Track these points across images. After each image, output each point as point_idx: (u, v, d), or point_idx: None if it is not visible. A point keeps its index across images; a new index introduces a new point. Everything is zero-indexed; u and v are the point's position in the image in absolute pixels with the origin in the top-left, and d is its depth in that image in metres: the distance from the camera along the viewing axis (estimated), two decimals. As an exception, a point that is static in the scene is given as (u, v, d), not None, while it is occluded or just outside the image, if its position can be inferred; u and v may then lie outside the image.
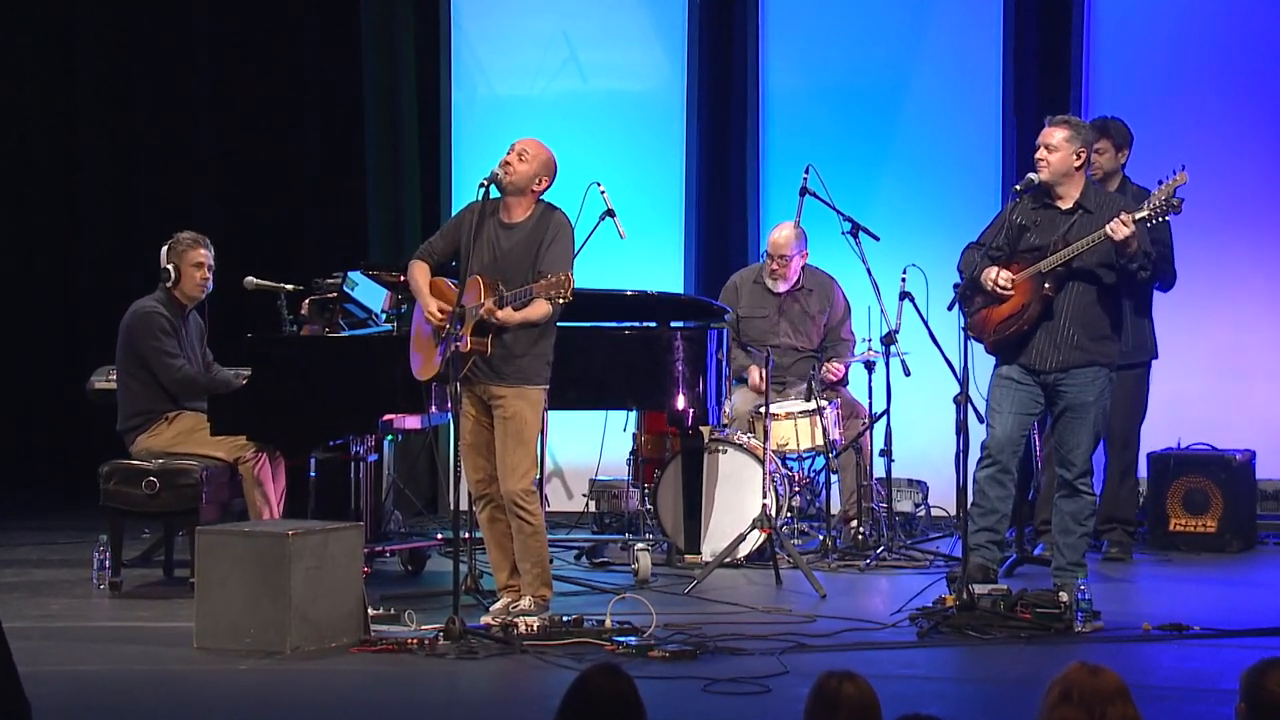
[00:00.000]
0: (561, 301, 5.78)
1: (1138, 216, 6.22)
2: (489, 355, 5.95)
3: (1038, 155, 6.41)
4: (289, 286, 7.31)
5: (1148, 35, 9.00)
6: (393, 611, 6.07)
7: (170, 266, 7.08)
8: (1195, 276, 8.19)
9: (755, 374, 7.98)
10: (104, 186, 10.17)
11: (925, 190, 9.19)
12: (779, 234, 8.19)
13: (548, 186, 6.11)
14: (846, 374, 8.18)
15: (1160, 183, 6.31)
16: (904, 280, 7.56)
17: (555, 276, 5.73)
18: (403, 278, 6.64)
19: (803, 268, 8.24)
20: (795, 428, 7.80)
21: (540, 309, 5.90)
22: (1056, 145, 6.39)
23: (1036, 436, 7.47)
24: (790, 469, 7.87)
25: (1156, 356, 7.70)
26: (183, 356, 7.02)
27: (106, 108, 10.12)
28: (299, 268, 8.07)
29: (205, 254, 7.11)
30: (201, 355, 7.23)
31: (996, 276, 6.38)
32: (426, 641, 5.63)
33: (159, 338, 6.98)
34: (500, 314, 5.85)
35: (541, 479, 6.27)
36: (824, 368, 8.07)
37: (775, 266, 8.16)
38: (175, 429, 7.00)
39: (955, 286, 6.51)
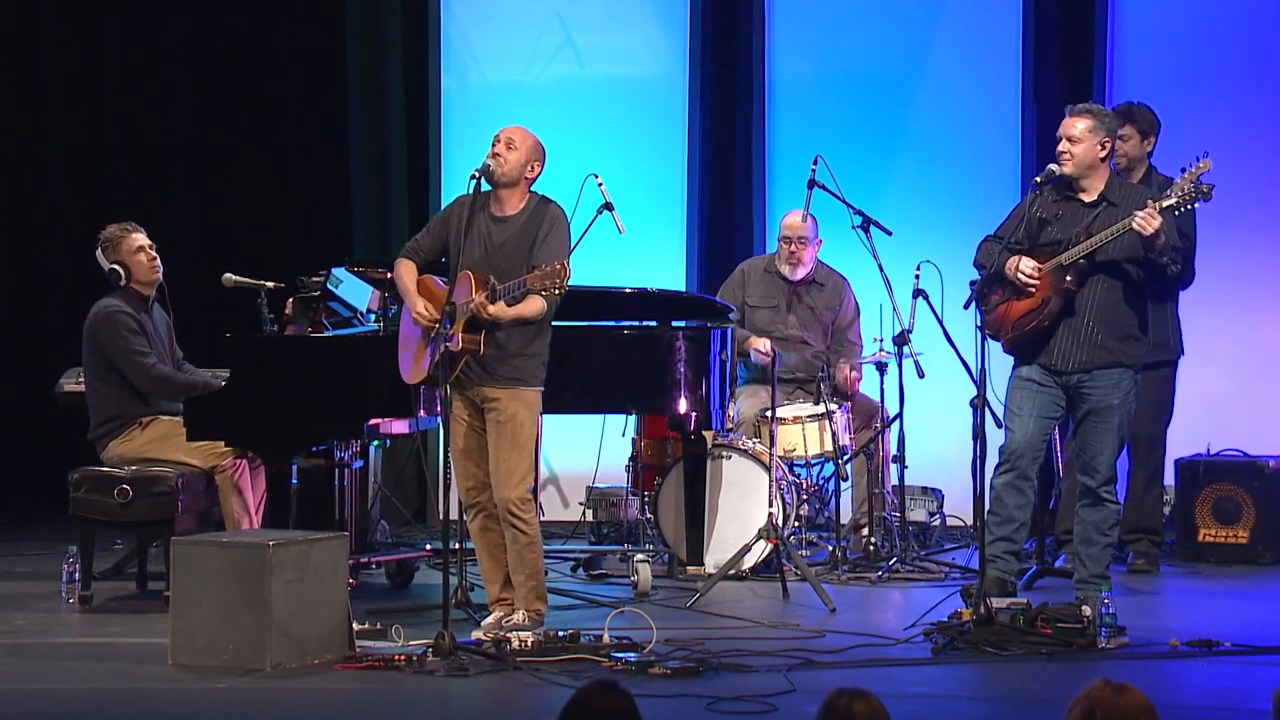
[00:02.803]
0: (557, 292, 5.78)
1: (1164, 205, 6.24)
2: (482, 355, 5.96)
3: (1060, 148, 6.42)
4: (270, 284, 7.31)
5: (1174, 19, 9.02)
6: (379, 626, 6.07)
7: (115, 266, 7.08)
8: (1224, 269, 8.20)
9: (760, 344, 7.93)
10: (72, 179, 10.17)
11: (940, 182, 9.20)
12: (793, 217, 8.21)
13: (540, 172, 6.13)
14: (860, 385, 8.17)
15: (1183, 170, 6.33)
16: (918, 277, 7.56)
17: (549, 266, 5.73)
18: (389, 275, 6.65)
19: (816, 261, 8.26)
20: (803, 432, 7.81)
21: (535, 305, 5.91)
22: (1079, 136, 6.40)
23: (1058, 441, 7.48)
24: (798, 476, 7.87)
25: (1182, 354, 7.70)
26: (153, 354, 7.03)
27: (74, 97, 10.11)
28: (280, 264, 8.07)
29: (140, 236, 7.13)
30: (171, 351, 7.22)
31: (1020, 265, 6.39)
32: (415, 658, 5.64)
33: (126, 337, 6.98)
34: (492, 308, 5.85)
35: (536, 486, 6.27)
36: (840, 376, 8.06)
37: (793, 249, 8.17)
38: (149, 434, 7.00)
39: (972, 284, 6.52)
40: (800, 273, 8.21)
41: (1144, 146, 7.54)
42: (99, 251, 7.13)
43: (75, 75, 10.11)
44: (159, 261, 7.14)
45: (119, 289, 7.10)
